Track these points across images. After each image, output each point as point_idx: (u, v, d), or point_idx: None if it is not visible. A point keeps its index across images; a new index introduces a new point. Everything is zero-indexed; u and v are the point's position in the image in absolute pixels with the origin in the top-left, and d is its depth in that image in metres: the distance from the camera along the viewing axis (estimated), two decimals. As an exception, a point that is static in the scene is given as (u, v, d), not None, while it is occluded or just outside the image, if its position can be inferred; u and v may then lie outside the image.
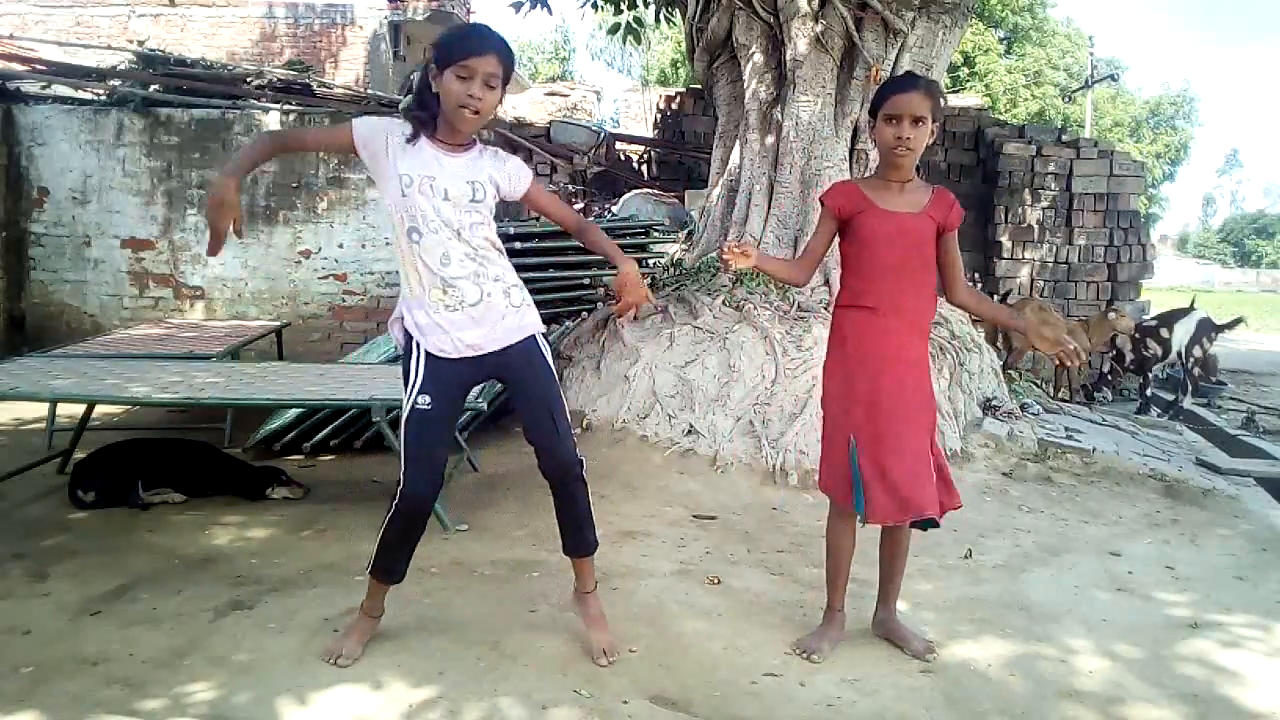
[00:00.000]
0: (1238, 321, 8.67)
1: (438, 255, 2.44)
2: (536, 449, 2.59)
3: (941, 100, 2.63)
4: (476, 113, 2.38)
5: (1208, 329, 8.29)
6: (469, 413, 4.79)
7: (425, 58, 2.46)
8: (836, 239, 2.75)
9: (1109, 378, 8.58)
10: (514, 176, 2.56)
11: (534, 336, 2.59)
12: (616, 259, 2.59)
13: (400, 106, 7.73)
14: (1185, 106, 39.61)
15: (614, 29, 8.25)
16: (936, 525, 2.68)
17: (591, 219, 8.12)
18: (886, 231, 2.62)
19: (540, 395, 2.56)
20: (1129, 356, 8.38)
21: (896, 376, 2.63)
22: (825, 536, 2.81)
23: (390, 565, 2.62)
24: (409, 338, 2.53)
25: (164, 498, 4.03)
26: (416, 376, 2.49)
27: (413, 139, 2.43)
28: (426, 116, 2.44)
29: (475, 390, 3.60)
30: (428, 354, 2.49)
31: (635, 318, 2.34)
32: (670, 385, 5.05)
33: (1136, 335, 8.30)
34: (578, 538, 2.69)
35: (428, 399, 2.48)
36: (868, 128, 6.21)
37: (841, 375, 2.70)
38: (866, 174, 6.20)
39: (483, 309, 2.48)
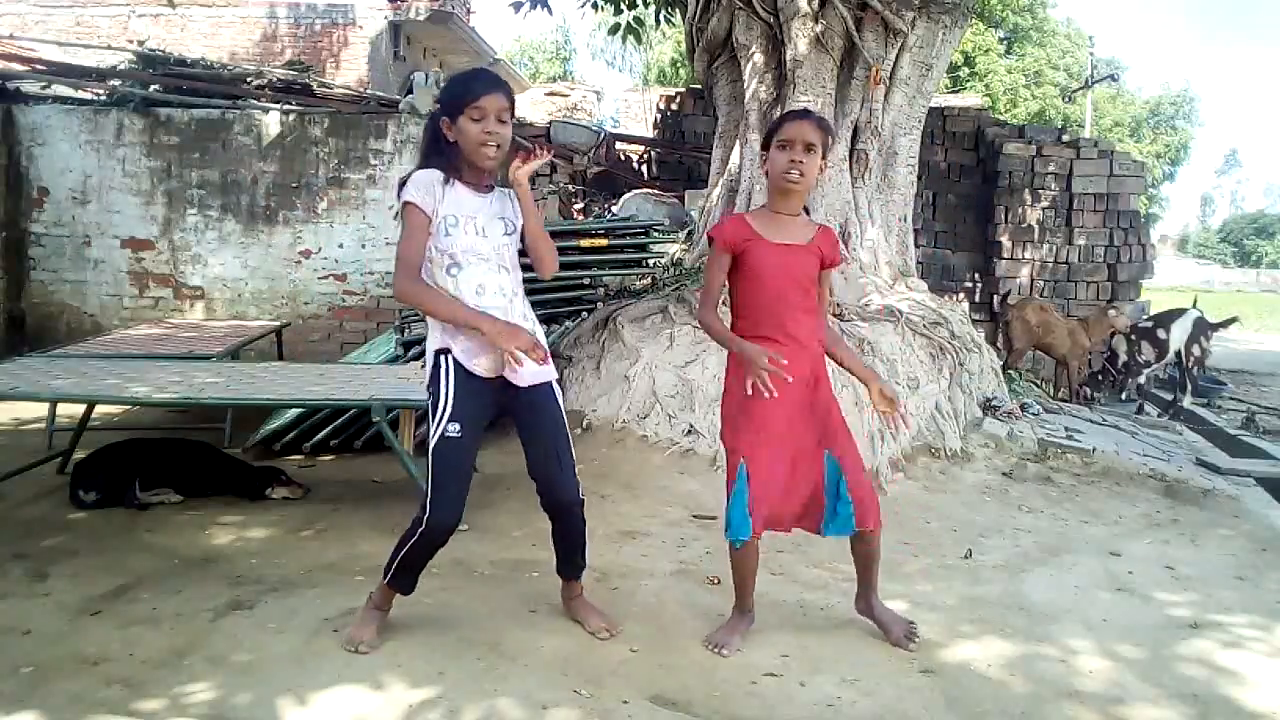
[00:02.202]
0: (1232, 320, 8.73)
1: (474, 285, 2.55)
2: (538, 484, 2.69)
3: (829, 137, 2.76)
4: (497, 146, 2.55)
5: (1204, 328, 8.32)
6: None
7: (431, 110, 2.66)
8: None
9: (1099, 377, 8.58)
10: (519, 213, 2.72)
11: (550, 384, 2.67)
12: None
13: (399, 107, 7.73)
14: (1185, 106, 39.62)
15: (614, 29, 8.25)
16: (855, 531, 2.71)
17: (591, 218, 8.12)
18: (774, 263, 2.69)
19: (550, 437, 2.65)
20: (1121, 358, 8.39)
21: (790, 399, 2.66)
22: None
23: (409, 580, 2.73)
24: (438, 358, 2.57)
25: (162, 498, 4.03)
26: (446, 402, 2.53)
27: (447, 183, 2.55)
28: (448, 166, 2.57)
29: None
30: (458, 368, 2.54)
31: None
32: (670, 385, 5.05)
33: (1132, 337, 8.31)
34: (569, 562, 2.85)
35: (458, 427, 2.53)
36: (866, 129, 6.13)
37: (737, 400, 2.68)
38: (865, 174, 6.20)
39: None
